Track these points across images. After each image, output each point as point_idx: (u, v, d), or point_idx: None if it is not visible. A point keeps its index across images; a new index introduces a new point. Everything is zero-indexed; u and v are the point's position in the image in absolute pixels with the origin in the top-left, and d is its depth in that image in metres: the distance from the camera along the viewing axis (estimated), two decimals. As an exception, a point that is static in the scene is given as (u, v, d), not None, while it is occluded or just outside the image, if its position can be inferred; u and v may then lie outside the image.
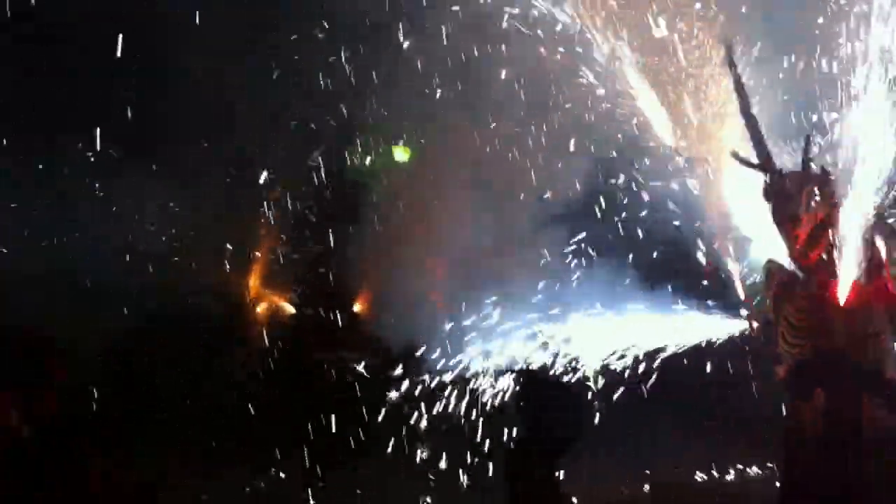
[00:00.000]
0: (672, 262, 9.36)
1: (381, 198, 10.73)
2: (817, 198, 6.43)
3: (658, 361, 8.58)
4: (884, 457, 6.31)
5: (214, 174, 10.48)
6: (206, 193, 10.46)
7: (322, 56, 10.14)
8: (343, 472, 9.53)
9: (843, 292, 6.28)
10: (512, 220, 9.78)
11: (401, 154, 11.18)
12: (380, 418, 10.04)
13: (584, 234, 9.86)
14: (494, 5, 8.84)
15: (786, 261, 6.66)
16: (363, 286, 11.09)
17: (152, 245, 10.53)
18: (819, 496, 6.35)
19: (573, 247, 9.82)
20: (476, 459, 9.45)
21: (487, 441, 9.36)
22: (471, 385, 9.85)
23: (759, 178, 6.72)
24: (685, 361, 8.52)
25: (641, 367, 8.64)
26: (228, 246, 11.03)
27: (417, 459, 9.87)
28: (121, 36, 9.47)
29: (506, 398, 8.97)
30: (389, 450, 9.67)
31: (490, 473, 9.06)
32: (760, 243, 7.17)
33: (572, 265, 9.67)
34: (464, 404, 9.55)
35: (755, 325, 7.39)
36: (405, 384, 10.05)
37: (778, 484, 6.78)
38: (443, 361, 9.66)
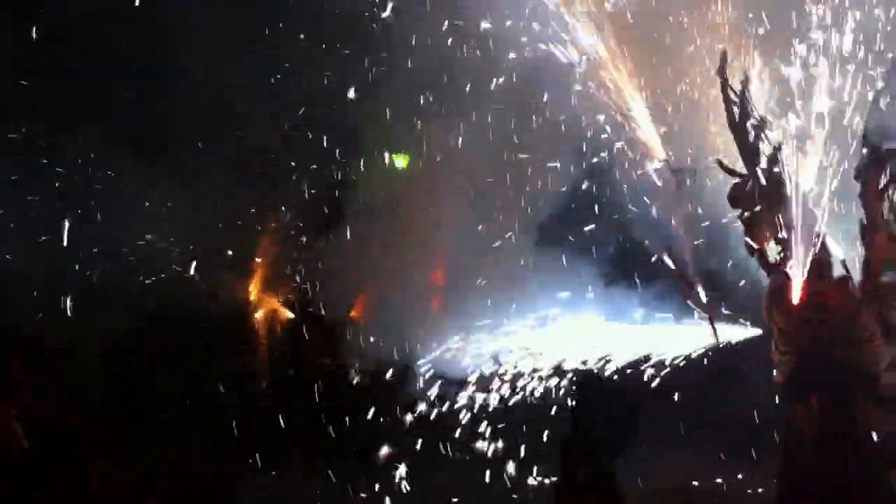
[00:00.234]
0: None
1: (380, 203, 10.76)
2: (769, 201, 6.62)
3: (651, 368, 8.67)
4: (883, 457, 6.41)
5: (214, 174, 10.47)
6: (206, 194, 10.46)
7: (321, 57, 10.19)
8: (343, 472, 9.52)
9: (796, 292, 6.46)
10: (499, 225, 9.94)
11: (400, 161, 11.19)
12: (380, 419, 10.06)
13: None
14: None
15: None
16: (361, 290, 11.09)
17: (153, 245, 10.54)
18: (818, 496, 6.42)
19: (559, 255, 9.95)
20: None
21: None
22: (470, 385, 9.89)
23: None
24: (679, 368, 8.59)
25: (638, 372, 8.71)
26: (228, 252, 11.04)
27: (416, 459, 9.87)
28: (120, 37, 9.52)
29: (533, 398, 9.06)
30: (388, 450, 9.65)
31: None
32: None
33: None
34: (476, 403, 9.63)
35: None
36: (401, 387, 10.10)
37: (776, 483, 6.83)
38: (438, 364, 9.72)
